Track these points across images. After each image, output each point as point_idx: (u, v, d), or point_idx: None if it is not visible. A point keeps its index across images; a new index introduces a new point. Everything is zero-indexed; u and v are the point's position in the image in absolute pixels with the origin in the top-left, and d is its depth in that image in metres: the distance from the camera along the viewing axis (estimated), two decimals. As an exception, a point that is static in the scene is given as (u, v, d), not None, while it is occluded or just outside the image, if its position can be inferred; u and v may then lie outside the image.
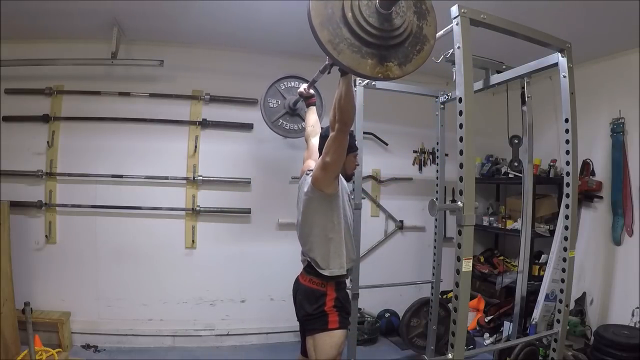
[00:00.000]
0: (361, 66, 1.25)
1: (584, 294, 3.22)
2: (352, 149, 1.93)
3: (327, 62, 1.81)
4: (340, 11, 1.23)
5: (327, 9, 1.22)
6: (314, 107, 2.45)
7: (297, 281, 1.98)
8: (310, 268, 1.89)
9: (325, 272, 1.83)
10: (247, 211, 3.45)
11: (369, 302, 3.61)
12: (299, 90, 2.47)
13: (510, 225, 3.70)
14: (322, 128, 2.10)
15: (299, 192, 2.05)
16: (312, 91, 2.43)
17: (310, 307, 1.84)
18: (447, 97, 2.87)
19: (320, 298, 1.83)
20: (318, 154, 2.00)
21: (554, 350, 1.91)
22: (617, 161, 3.07)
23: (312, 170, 1.95)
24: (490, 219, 4.02)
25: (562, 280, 1.91)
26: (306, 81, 2.59)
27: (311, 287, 1.87)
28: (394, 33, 1.28)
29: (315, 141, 2.16)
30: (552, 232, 3.41)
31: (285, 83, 2.81)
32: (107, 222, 3.27)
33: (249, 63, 3.49)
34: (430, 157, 4.01)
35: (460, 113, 1.49)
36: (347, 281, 2.04)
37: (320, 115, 2.58)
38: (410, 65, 1.34)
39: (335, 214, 1.85)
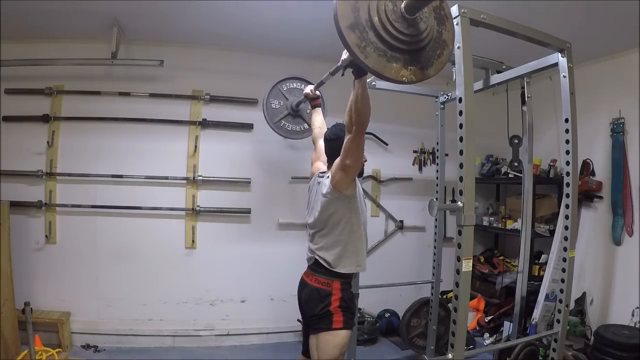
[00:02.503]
0: (387, 70, 1.28)
1: (584, 294, 3.22)
2: None
3: (338, 64, 1.80)
4: (367, 15, 1.25)
5: (353, 12, 1.24)
6: (320, 109, 2.44)
7: (302, 280, 1.96)
8: (317, 266, 1.87)
9: (338, 270, 1.83)
10: (247, 211, 3.45)
11: (369, 302, 3.61)
12: (305, 92, 2.46)
13: (510, 225, 3.70)
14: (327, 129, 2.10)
15: (310, 193, 2.03)
16: (318, 92, 2.42)
17: (316, 307, 1.83)
18: (447, 97, 2.88)
19: (325, 298, 1.82)
20: (325, 157, 2.00)
21: (554, 350, 1.92)
22: (617, 161, 3.07)
23: (324, 172, 1.96)
24: (490, 219, 4.02)
25: (562, 280, 1.91)
26: (309, 83, 2.59)
27: (317, 286, 1.85)
28: (418, 38, 1.31)
29: (322, 143, 2.16)
30: (552, 232, 3.41)
31: (288, 84, 2.79)
32: (107, 222, 3.27)
33: (249, 63, 3.49)
34: (430, 157, 4.01)
35: (460, 113, 1.49)
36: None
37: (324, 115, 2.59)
38: (431, 70, 1.37)
39: (354, 215, 1.86)
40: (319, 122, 2.36)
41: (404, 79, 1.30)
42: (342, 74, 1.83)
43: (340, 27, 1.22)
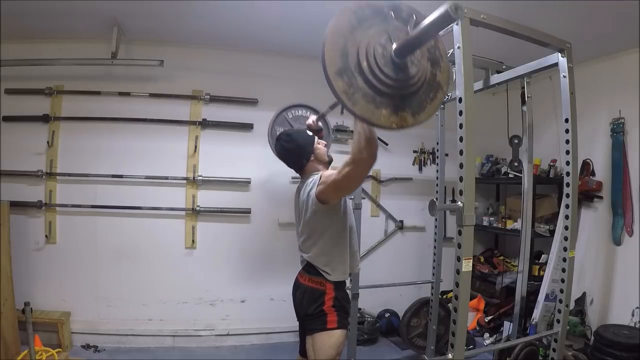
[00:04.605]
0: (375, 116, 1.23)
1: (584, 294, 3.22)
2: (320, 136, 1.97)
3: (337, 101, 1.76)
4: (356, 59, 1.20)
5: (342, 57, 1.19)
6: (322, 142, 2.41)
7: (296, 280, 1.98)
8: (309, 267, 1.89)
9: (329, 277, 1.84)
10: (247, 211, 3.45)
11: (369, 302, 3.61)
12: (307, 122, 2.38)
13: (510, 225, 3.70)
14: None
15: (298, 199, 1.99)
16: (320, 124, 2.36)
17: (310, 306, 1.84)
18: (447, 97, 2.86)
19: (319, 297, 1.83)
20: None
21: (554, 350, 1.91)
22: (617, 161, 3.07)
23: (314, 176, 1.91)
24: (490, 219, 4.03)
25: (562, 280, 1.91)
26: (314, 110, 2.59)
27: (310, 286, 1.86)
28: (408, 82, 1.26)
29: None
30: (552, 232, 3.41)
31: (293, 111, 2.77)
32: (107, 222, 3.27)
33: (249, 63, 3.49)
34: (430, 157, 4.01)
35: (460, 113, 1.49)
36: (347, 281, 2.04)
37: (327, 146, 2.54)
38: (423, 114, 1.32)
39: (341, 223, 1.85)
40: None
41: (393, 125, 1.25)
42: (342, 112, 1.81)
43: (328, 74, 1.17)
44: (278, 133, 2.64)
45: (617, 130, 3.07)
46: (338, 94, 1.18)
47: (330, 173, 1.75)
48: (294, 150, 1.99)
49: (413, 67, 1.26)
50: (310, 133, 2.08)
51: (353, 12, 1.22)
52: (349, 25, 1.21)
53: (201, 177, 3.37)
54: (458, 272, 1.46)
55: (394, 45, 1.22)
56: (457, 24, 1.50)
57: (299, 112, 2.77)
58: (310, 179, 1.89)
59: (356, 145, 1.50)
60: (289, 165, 2.06)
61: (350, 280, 2.55)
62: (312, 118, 2.35)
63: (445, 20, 1.03)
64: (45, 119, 3.18)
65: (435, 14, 1.06)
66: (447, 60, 1.43)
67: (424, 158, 4.02)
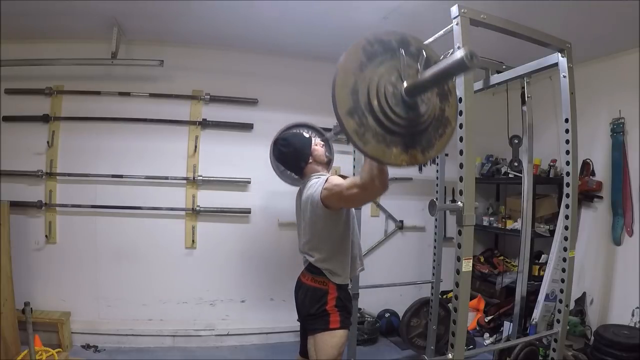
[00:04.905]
0: (386, 155, 1.22)
1: (584, 294, 3.22)
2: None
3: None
4: (366, 98, 1.19)
5: (352, 95, 1.17)
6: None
7: (298, 280, 1.98)
8: (312, 267, 1.88)
9: (331, 279, 1.84)
10: (247, 211, 3.45)
11: (369, 302, 3.61)
12: None
13: (510, 225, 3.70)
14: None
15: (300, 200, 2.00)
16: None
17: (312, 306, 1.84)
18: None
19: (322, 297, 1.83)
20: None
21: (554, 350, 1.92)
22: (617, 161, 3.07)
23: (318, 176, 1.92)
24: (490, 219, 4.03)
25: (562, 280, 1.91)
26: (317, 131, 2.58)
27: (313, 285, 1.86)
28: (419, 120, 1.25)
29: None
30: (552, 232, 3.41)
31: (295, 131, 2.74)
32: (107, 222, 3.27)
33: (249, 63, 3.49)
34: (430, 157, 4.01)
35: (460, 113, 1.49)
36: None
37: (325, 147, 2.53)
38: (432, 151, 1.31)
39: (342, 228, 1.84)
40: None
41: (403, 163, 1.24)
42: (348, 143, 1.81)
43: (338, 114, 1.15)
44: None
45: (617, 130, 3.07)
46: (349, 133, 1.17)
47: (337, 182, 1.73)
48: (291, 154, 2.00)
49: (423, 105, 1.24)
50: (307, 135, 2.08)
51: (362, 49, 1.20)
52: (359, 63, 1.18)
53: (201, 177, 3.37)
54: (458, 272, 1.46)
55: (405, 84, 1.20)
56: (457, 24, 1.50)
57: (302, 131, 2.74)
58: (313, 181, 1.89)
59: (368, 174, 1.48)
60: (288, 169, 2.09)
61: (351, 280, 2.55)
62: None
63: (459, 67, 0.99)
64: (45, 119, 3.18)
65: (449, 61, 1.02)
66: (455, 94, 1.40)
67: (424, 158, 4.01)
